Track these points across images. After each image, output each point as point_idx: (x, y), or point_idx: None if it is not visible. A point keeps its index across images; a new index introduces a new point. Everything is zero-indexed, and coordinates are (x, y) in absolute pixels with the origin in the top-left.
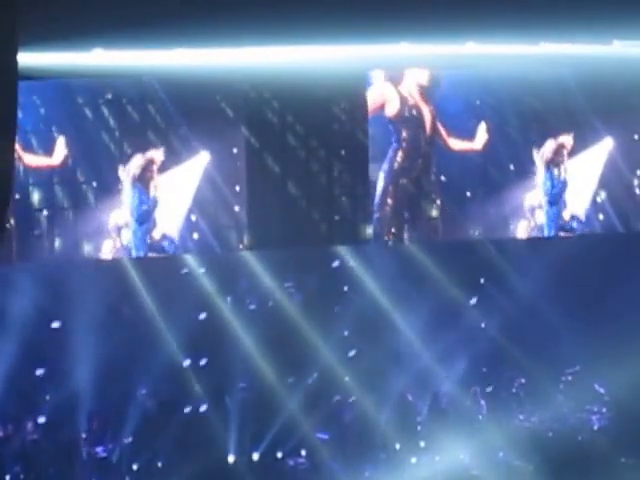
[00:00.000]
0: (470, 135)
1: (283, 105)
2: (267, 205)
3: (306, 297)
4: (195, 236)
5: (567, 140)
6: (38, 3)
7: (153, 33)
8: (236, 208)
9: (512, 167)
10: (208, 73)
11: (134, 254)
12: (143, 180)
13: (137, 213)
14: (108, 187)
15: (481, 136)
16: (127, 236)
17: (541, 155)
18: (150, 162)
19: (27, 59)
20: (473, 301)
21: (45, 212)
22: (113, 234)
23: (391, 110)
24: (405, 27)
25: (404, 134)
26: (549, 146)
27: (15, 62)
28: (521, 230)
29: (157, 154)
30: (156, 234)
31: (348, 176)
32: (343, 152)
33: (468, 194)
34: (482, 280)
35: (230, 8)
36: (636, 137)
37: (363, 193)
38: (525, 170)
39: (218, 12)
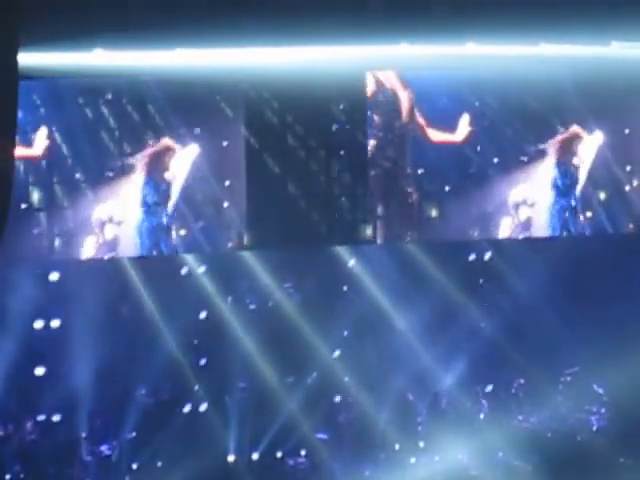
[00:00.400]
0: (451, 127)
1: (283, 105)
2: (267, 205)
3: (306, 297)
4: (182, 232)
5: (580, 131)
6: (39, 3)
7: (153, 33)
8: (225, 204)
9: (496, 160)
10: (208, 73)
11: (137, 242)
12: (156, 169)
13: (147, 203)
14: (93, 181)
15: (463, 128)
16: (111, 231)
17: (551, 145)
18: (165, 150)
19: (27, 59)
20: (472, 301)
21: (23, 207)
22: (96, 230)
23: None
24: (405, 28)
25: (377, 120)
26: (561, 136)
27: (16, 62)
28: (504, 228)
29: (173, 142)
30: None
31: (347, 176)
32: (342, 152)
33: (447, 188)
34: (481, 280)
35: (230, 9)
36: (627, 132)
37: (362, 193)
38: (511, 165)
39: (218, 13)
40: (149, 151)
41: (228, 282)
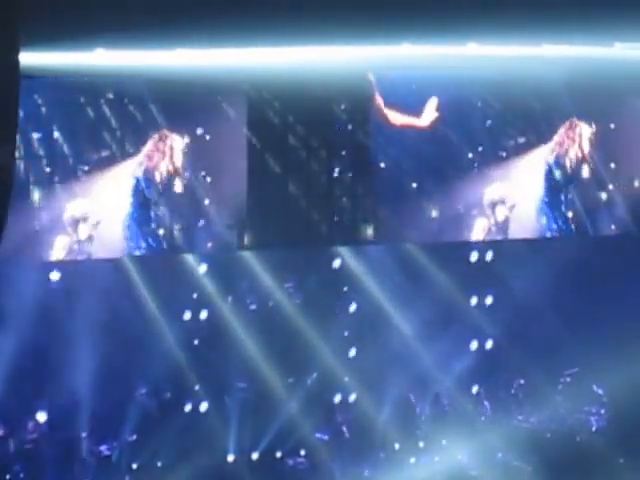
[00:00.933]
0: (415, 111)
1: (284, 105)
2: (267, 205)
3: (306, 297)
4: (160, 232)
5: (584, 127)
6: (40, 3)
7: (154, 33)
8: (206, 201)
9: (471, 155)
10: (209, 74)
11: (125, 239)
12: (152, 160)
13: (138, 196)
14: (66, 177)
15: (429, 112)
16: (85, 230)
17: (549, 139)
18: (164, 144)
19: (29, 58)
20: (472, 302)
21: None
22: (69, 229)
23: None
24: (407, 28)
25: None
26: (563, 128)
27: (17, 61)
28: (478, 230)
29: (172, 135)
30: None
31: (349, 176)
32: (344, 152)
33: (414, 185)
34: (481, 281)
35: (231, 9)
36: (612, 126)
37: (364, 193)
38: (488, 160)
39: (219, 13)
40: (148, 145)
41: (228, 282)
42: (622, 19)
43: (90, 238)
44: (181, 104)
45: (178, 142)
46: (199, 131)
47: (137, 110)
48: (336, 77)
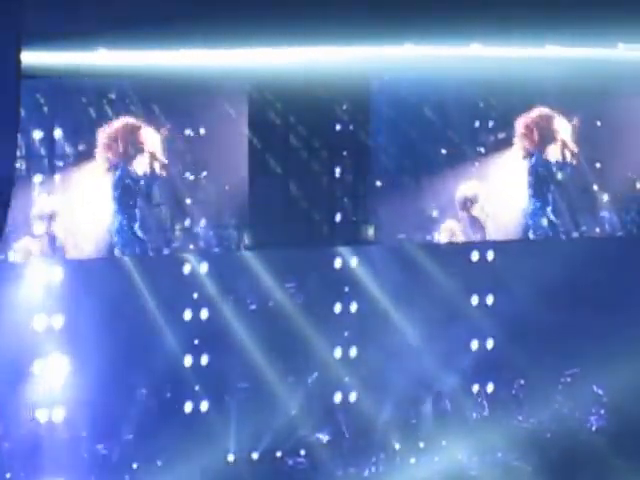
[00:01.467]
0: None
1: (285, 106)
2: (269, 205)
3: (307, 297)
4: (139, 234)
5: (551, 116)
6: (42, 2)
7: (156, 33)
8: (188, 201)
9: (444, 151)
10: (211, 74)
11: (114, 238)
12: (129, 152)
13: (118, 192)
14: (63, 175)
15: None
16: (55, 229)
17: (526, 126)
18: (134, 129)
19: (29, 58)
20: (473, 302)
21: None
22: (36, 227)
23: None
24: (409, 28)
25: None
26: (536, 116)
27: (18, 61)
28: (445, 231)
29: (168, 134)
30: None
31: (350, 177)
32: (345, 153)
33: (378, 184)
34: (481, 281)
35: (233, 9)
36: (598, 124)
37: (365, 194)
38: (464, 156)
39: (221, 13)
40: (144, 144)
41: (229, 282)
42: (626, 20)
43: (57, 237)
44: (182, 104)
45: (176, 141)
46: (200, 131)
47: (138, 110)
48: (338, 77)
